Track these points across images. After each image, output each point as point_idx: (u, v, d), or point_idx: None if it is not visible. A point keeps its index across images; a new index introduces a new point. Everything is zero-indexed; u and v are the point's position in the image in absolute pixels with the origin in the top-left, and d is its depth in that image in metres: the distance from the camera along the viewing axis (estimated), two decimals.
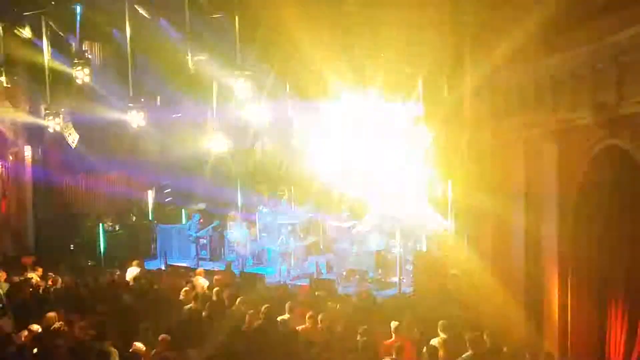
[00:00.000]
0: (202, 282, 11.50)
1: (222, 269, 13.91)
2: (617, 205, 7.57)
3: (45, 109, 12.79)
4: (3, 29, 12.50)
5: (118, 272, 12.64)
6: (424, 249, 14.30)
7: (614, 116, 6.86)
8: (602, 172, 7.60)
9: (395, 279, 13.94)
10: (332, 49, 12.36)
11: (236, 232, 16.29)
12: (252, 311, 8.39)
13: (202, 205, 16.74)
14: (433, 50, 11.11)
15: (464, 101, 11.29)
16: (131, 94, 12.13)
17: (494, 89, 9.94)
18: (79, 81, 12.36)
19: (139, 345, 7.27)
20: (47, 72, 12.46)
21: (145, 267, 13.42)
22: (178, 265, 15.32)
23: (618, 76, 6.72)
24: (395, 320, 7.93)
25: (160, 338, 7.43)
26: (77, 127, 14.70)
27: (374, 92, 14.42)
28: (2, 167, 15.64)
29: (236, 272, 13.77)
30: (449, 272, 11.95)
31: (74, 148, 15.18)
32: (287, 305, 8.62)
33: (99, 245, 16.04)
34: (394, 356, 6.93)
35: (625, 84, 6.66)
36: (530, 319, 9.03)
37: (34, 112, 13.47)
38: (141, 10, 11.85)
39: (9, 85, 13.19)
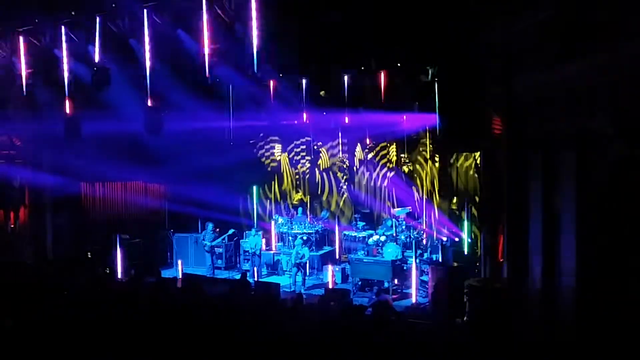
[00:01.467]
0: None
1: (238, 278, 13.92)
2: (637, 217, 7.45)
3: (64, 118, 12.93)
4: (24, 38, 12.70)
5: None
6: (440, 260, 14.23)
7: (634, 125, 6.77)
8: (622, 182, 7.49)
9: (411, 290, 13.88)
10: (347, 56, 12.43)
11: (251, 241, 16.35)
12: None
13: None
14: (447, 59, 11.09)
15: (481, 112, 11.25)
16: (149, 103, 12.24)
17: (511, 99, 9.87)
18: (97, 90, 12.51)
19: None
20: (66, 81, 12.61)
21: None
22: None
23: (637, 83, 6.63)
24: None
25: None
26: (95, 136, 14.84)
27: (389, 101, 14.43)
28: (21, 177, 15.85)
29: (251, 281, 13.76)
30: (465, 283, 11.84)
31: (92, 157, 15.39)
32: None
33: (116, 254, 16.14)
34: None
35: None
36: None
37: (53, 120, 13.60)
38: (159, 21, 11.97)
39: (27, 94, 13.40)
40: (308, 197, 19.11)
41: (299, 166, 19.70)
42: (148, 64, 11.89)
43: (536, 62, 8.78)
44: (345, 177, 19.10)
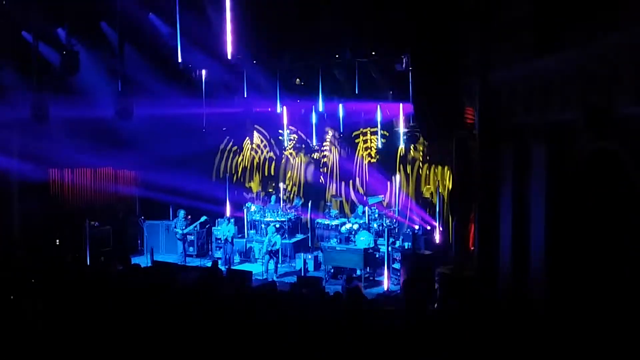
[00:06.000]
0: None
1: (209, 265, 13.84)
2: (605, 208, 7.60)
3: (33, 102, 12.63)
4: None
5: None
6: (412, 248, 14.35)
7: (604, 118, 6.88)
8: (591, 174, 7.63)
9: (383, 277, 13.99)
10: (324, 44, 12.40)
11: (223, 229, 16.26)
12: None
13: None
14: (425, 49, 11.12)
15: (454, 102, 11.33)
16: (120, 88, 12.03)
17: (485, 90, 9.95)
18: (66, 74, 12.24)
19: None
20: (34, 65, 12.30)
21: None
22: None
23: (608, 77, 6.74)
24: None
25: None
26: (64, 121, 14.54)
27: (364, 90, 14.47)
28: None
29: (223, 269, 13.70)
30: (436, 271, 11.98)
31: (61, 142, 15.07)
32: None
33: (85, 241, 15.90)
34: None
35: (615, 85, 6.69)
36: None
37: (21, 104, 13.28)
38: (131, 4, 11.76)
39: None
40: (280, 184, 19.05)
41: (271, 153, 19.62)
42: (119, 47, 11.67)
43: (510, 55, 8.87)
44: (318, 164, 19.10)
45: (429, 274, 12.22)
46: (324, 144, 18.92)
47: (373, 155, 18.19)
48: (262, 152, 19.72)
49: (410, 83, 12.79)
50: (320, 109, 15.62)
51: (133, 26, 12.36)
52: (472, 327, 8.52)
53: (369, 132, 18.10)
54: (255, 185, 19.63)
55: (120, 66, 12.11)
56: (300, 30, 12.09)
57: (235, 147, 19.70)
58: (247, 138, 19.65)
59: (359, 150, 18.50)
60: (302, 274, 14.71)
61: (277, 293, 10.26)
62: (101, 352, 7.26)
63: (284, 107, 16.80)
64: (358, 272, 14.23)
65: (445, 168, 15.85)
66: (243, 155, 19.71)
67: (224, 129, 18.82)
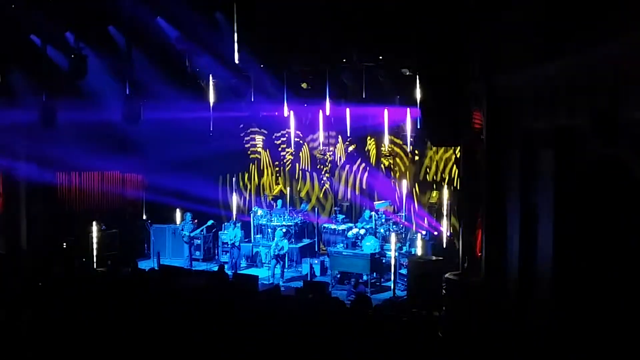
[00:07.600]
0: None
1: (215, 270, 13.82)
2: (613, 214, 7.53)
3: (41, 105, 12.69)
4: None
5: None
6: (419, 253, 14.29)
7: (611, 124, 6.81)
8: (599, 180, 7.56)
9: (390, 283, 13.94)
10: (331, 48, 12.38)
11: (230, 233, 16.25)
12: None
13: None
14: (432, 53, 11.08)
15: (462, 107, 11.27)
16: (127, 91, 12.08)
17: (492, 95, 9.90)
18: (74, 77, 12.30)
19: None
20: (42, 68, 12.37)
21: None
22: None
23: (616, 82, 6.68)
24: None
25: None
26: (72, 124, 14.60)
27: (371, 94, 14.44)
28: None
29: (229, 273, 13.68)
30: (443, 277, 11.89)
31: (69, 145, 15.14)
32: None
33: (92, 244, 15.94)
34: None
35: (624, 90, 6.62)
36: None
37: (29, 108, 13.34)
38: (138, 8, 11.80)
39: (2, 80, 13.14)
40: (288, 189, 19.03)
41: (279, 161, 19.61)
42: (127, 51, 11.72)
43: (517, 60, 8.82)
44: (325, 169, 19.06)
45: (435, 279, 12.13)
46: (332, 148, 18.87)
47: (381, 160, 18.13)
48: (268, 156, 19.70)
49: (418, 87, 12.76)
50: (327, 112, 15.60)
51: (141, 30, 12.41)
52: (479, 334, 8.46)
53: (375, 137, 18.04)
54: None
55: (128, 70, 12.15)
56: (307, 33, 12.09)
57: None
58: (255, 142, 19.64)
59: (366, 155, 18.45)
60: (309, 279, 14.68)
61: (282, 297, 10.25)
62: (107, 355, 7.26)
63: (291, 112, 16.77)
64: (364, 277, 14.18)
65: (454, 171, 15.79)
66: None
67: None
